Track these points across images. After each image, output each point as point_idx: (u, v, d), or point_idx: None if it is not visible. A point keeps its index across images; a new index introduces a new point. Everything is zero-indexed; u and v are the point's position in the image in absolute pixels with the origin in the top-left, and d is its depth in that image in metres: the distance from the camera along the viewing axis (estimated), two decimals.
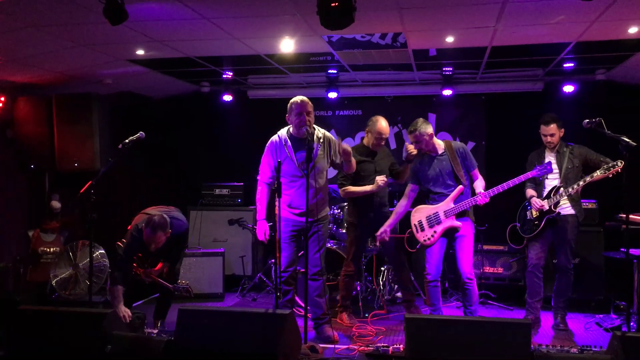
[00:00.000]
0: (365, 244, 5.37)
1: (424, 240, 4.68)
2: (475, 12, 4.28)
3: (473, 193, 4.66)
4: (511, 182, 4.58)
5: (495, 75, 6.60)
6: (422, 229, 4.69)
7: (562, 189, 4.76)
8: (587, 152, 4.90)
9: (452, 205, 4.57)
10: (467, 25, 4.62)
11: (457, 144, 4.79)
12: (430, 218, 4.66)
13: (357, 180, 5.22)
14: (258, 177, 4.78)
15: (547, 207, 4.78)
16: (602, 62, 5.98)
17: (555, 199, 4.76)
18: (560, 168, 4.86)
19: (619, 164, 4.49)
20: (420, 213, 4.73)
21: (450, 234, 4.63)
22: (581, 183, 4.69)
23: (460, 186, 4.59)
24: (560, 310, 4.99)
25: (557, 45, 5.26)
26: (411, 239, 4.87)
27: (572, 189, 4.71)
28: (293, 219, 4.65)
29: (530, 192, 4.99)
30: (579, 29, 4.66)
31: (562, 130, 4.93)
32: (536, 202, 4.84)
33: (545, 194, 4.87)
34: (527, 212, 4.99)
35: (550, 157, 4.97)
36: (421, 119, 4.69)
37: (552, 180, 4.91)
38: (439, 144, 4.75)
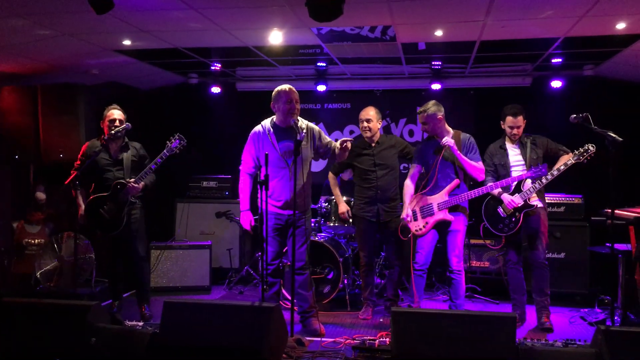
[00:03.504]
0: (371, 238, 5.29)
1: (416, 230, 4.67)
2: (465, 5, 4.28)
3: (470, 187, 4.65)
4: (510, 180, 4.61)
5: (484, 70, 6.62)
6: (415, 219, 4.69)
7: (529, 181, 4.66)
8: (548, 142, 4.82)
9: (446, 199, 4.57)
10: (456, 18, 4.62)
11: (465, 135, 4.72)
12: (424, 209, 4.65)
13: (358, 173, 5.27)
14: (240, 168, 4.75)
15: (522, 203, 4.68)
16: (590, 58, 6.00)
17: (528, 193, 4.64)
18: (524, 159, 4.76)
19: (591, 148, 4.41)
20: (415, 202, 4.72)
21: (442, 228, 4.63)
22: (555, 173, 4.58)
23: (456, 179, 4.57)
24: (543, 309, 4.84)
25: (545, 40, 5.27)
26: (404, 228, 4.87)
27: (546, 179, 4.59)
28: (275, 212, 4.63)
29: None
30: (567, 24, 4.67)
31: (525, 121, 4.86)
32: (510, 201, 4.69)
33: (513, 187, 4.74)
34: (499, 209, 4.81)
35: (513, 149, 4.86)
36: (433, 101, 4.64)
37: (517, 172, 4.77)
38: (448, 131, 4.70)
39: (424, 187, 4.71)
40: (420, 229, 4.65)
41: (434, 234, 4.65)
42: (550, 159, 4.73)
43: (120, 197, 4.82)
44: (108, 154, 4.92)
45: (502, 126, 4.90)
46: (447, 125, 4.71)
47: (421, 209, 4.68)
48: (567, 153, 4.67)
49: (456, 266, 4.56)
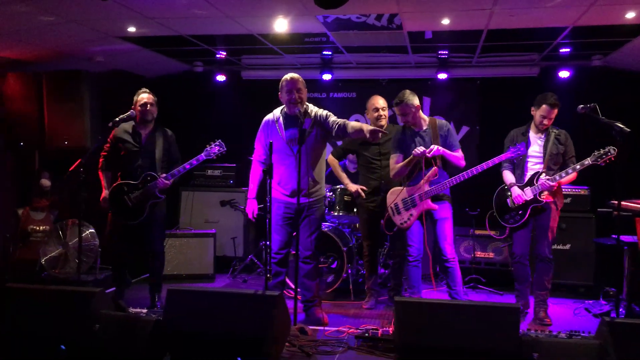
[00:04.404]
0: (375, 228, 5.25)
1: (401, 224, 4.64)
2: None
3: (451, 174, 4.60)
4: (490, 163, 4.47)
5: (491, 60, 6.56)
6: (399, 212, 4.65)
7: (544, 175, 4.58)
8: (570, 143, 4.70)
9: (427, 188, 4.52)
10: (463, 7, 4.57)
11: (442, 122, 4.67)
12: (406, 201, 4.60)
13: (363, 162, 5.26)
14: (252, 157, 4.75)
15: (532, 197, 4.60)
16: (599, 48, 5.94)
17: (539, 187, 4.57)
18: (544, 152, 4.66)
19: (612, 151, 4.31)
20: (396, 195, 4.67)
21: (429, 217, 4.60)
22: (570, 171, 4.51)
23: (435, 167, 4.49)
24: (541, 303, 4.78)
25: (553, 30, 5.21)
26: (388, 222, 4.83)
27: (560, 177, 4.52)
28: (284, 200, 4.62)
29: (509, 177, 4.76)
30: (576, 13, 4.62)
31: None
32: (517, 195, 4.63)
33: (526, 179, 4.69)
34: (508, 200, 4.76)
35: (536, 140, 4.74)
36: (408, 90, 4.56)
37: (534, 164, 4.71)
38: (424, 120, 4.65)
39: (407, 178, 4.66)
40: (405, 222, 4.61)
41: (419, 225, 4.62)
42: (563, 161, 4.68)
43: (148, 188, 4.82)
44: (138, 140, 4.90)
45: (533, 112, 4.74)
46: (422, 113, 4.65)
47: (403, 201, 4.62)
48: (574, 170, 4.55)
49: (450, 254, 4.53)
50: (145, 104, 4.87)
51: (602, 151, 4.38)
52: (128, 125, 4.91)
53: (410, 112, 4.55)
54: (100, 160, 4.91)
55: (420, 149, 4.43)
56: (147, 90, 4.95)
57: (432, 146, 4.46)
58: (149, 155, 4.91)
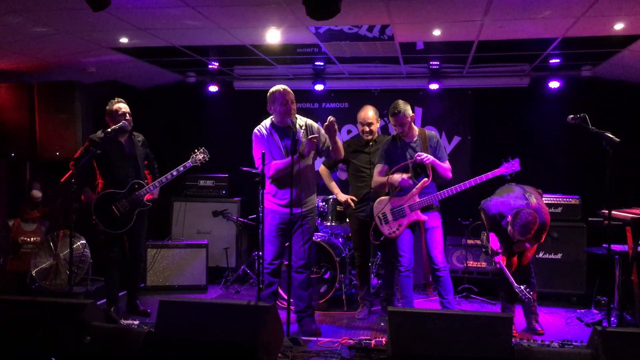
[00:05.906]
0: (366, 238, 5.18)
1: (389, 234, 4.64)
2: (462, 5, 4.27)
3: (438, 186, 4.61)
4: (484, 177, 4.46)
5: (482, 70, 6.60)
6: (387, 222, 4.65)
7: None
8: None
9: (417, 199, 4.54)
10: (454, 18, 4.60)
11: (431, 133, 4.71)
12: (395, 211, 4.61)
13: (352, 170, 5.26)
14: (258, 166, 4.57)
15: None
16: (588, 59, 6.00)
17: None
18: None
19: None
20: (384, 205, 4.68)
21: (419, 227, 4.61)
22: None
23: (425, 179, 4.53)
24: (532, 314, 4.78)
25: (543, 41, 5.26)
26: (375, 231, 4.83)
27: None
28: (279, 210, 4.61)
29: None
30: (566, 24, 4.67)
31: None
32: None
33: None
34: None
35: None
36: (401, 101, 4.60)
37: None
38: (415, 130, 4.69)
39: (395, 188, 4.64)
40: (394, 232, 4.61)
41: (409, 234, 4.63)
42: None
43: (137, 196, 4.84)
44: (120, 148, 4.90)
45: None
46: (413, 124, 4.69)
47: (392, 211, 4.63)
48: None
49: (442, 263, 4.55)
50: (124, 114, 4.89)
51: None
52: (101, 135, 4.87)
53: (406, 122, 4.58)
54: (69, 174, 4.76)
55: (426, 156, 4.48)
56: (122, 100, 4.97)
57: (424, 155, 4.49)
58: (133, 163, 4.94)
